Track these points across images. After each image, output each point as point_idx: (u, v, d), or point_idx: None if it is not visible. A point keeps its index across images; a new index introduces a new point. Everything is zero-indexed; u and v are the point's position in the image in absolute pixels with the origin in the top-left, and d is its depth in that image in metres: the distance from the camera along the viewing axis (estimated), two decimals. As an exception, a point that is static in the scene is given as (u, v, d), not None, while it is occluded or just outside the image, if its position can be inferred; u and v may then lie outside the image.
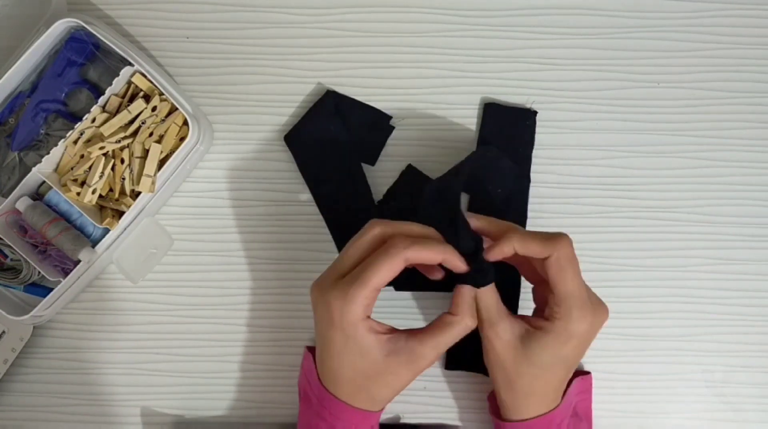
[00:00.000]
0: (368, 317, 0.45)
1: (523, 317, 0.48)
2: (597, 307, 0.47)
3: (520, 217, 0.59)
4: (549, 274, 0.45)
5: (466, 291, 0.46)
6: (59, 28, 0.55)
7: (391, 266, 0.44)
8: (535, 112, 0.60)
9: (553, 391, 0.49)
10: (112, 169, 0.56)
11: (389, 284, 0.49)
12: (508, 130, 0.59)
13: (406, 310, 0.59)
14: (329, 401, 0.47)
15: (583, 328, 0.46)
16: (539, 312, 0.49)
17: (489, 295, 0.46)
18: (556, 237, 0.46)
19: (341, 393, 0.47)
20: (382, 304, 0.58)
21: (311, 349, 0.52)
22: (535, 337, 0.46)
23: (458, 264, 0.46)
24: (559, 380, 0.49)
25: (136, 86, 0.56)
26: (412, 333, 0.46)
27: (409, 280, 0.55)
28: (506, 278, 0.57)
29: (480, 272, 0.46)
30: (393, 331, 0.46)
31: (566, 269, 0.45)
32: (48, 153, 0.55)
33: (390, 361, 0.45)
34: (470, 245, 0.46)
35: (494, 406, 0.53)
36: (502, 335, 0.46)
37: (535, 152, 0.60)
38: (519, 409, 0.49)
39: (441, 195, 0.49)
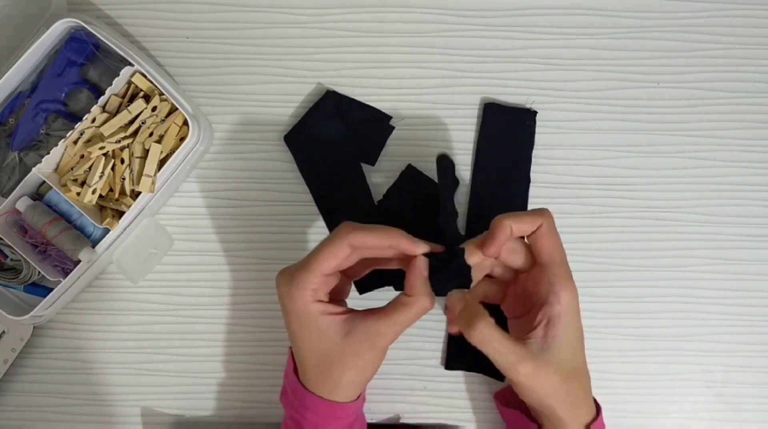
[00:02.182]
0: (321, 301, 0.45)
1: (519, 340, 0.46)
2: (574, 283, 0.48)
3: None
4: (537, 245, 0.47)
5: (418, 268, 0.45)
6: (59, 28, 0.55)
7: (334, 250, 0.44)
8: (535, 112, 0.60)
9: (583, 391, 0.48)
10: (112, 169, 0.56)
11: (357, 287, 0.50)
12: (508, 130, 0.59)
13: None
14: (300, 393, 0.47)
15: (568, 300, 0.46)
16: (519, 332, 0.49)
17: (496, 338, 0.44)
18: (539, 211, 0.47)
19: (310, 383, 0.47)
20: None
21: None
22: (543, 350, 0.45)
23: (409, 246, 0.45)
24: (580, 361, 0.48)
25: (136, 86, 0.56)
26: (368, 312, 0.46)
27: (373, 280, 0.56)
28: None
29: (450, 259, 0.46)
30: (350, 312, 0.46)
31: (554, 237, 0.47)
32: (48, 153, 0.55)
33: (348, 341, 0.45)
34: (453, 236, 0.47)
35: (516, 409, 0.52)
36: (520, 370, 0.45)
37: (535, 152, 0.60)
38: (575, 415, 0.48)
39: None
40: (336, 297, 0.49)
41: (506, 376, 0.46)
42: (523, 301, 0.49)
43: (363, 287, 0.58)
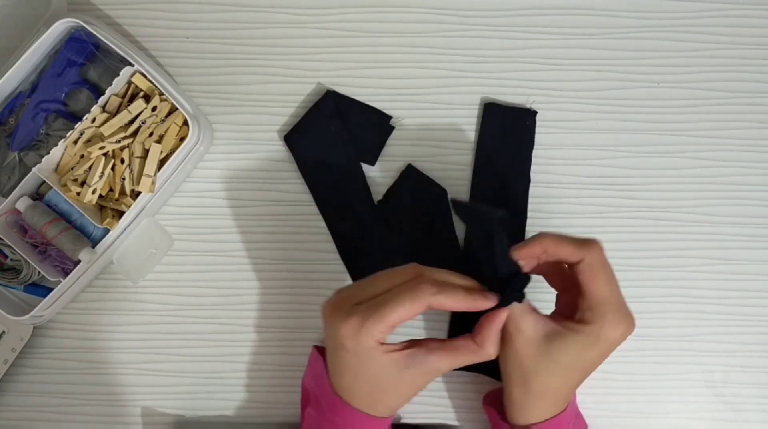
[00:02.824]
0: (386, 343, 0.45)
1: (549, 316, 0.47)
2: (629, 318, 0.46)
3: (520, 217, 0.59)
4: (581, 278, 0.44)
5: (495, 321, 0.45)
6: (59, 28, 0.55)
7: (412, 308, 0.43)
8: (535, 112, 0.60)
9: (566, 393, 0.48)
10: (112, 169, 0.56)
11: None
12: (508, 130, 0.59)
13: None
14: (343, 409, 0.47)
15: (614, 335, 0.45)
16: (565, 317, 0.48)
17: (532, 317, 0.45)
18: (588, 241, 0.45)
19: (356, 401, 0.47)
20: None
21: (320, 350, 0.52)
22: (561, 337, 0.45)
23: (484, 305, 0.44)
24: (574, 383, 0.48)
25: (136, 86, 0.56)
26: (430, 348, 0.45)
27: None
28: None
29: (513, 294, 0.45)
30: (409, 345, 0.45)
31: (599, 273, 0.44)
32: (48, 153, 0.55)
33: (406, 374, 0.45)
34: (508, 270, 0.45)
35: (494, 409, 0.52)
36: (524, 331, 0.45)
37: (535, 152, 0.60)
38: (528, 409, 0.48)
39: (477, 220, 0.48)
40: None
41: (507, 330, 0.46)
42: (566, 278, 0.48)
43: None
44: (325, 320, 0.46)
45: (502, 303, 0.45)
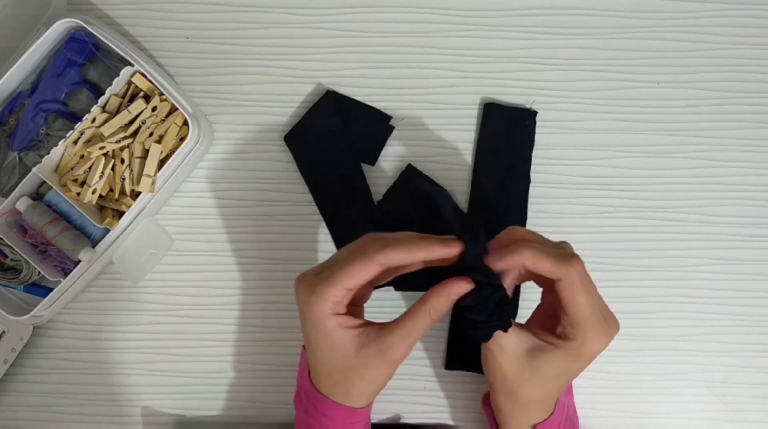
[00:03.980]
0: (339, 314, 0.44)
1: (529, 329, 0.47)
2: (610, 325, 0.45)
3: (520, 217, 0.59)
4: (561, 295, 0.44)
5: (447, 290, 0.43)
6: (59, 28, 0.55)
7: (363, 269, 0.43)
8: (535, 112, 0.60)
9: (552, 400, 0.49)
10: (112, 169, 0.56)
11: (388, 284, 0.49)
12: (508, 130, 0.59)
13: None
14: (314, 397, 0.47)
15: (596, 348, 0.45)
16: (545, 319, 0.48)
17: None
18: (568, 257, 0.43)
19: (322, 387, 0.47)
20: (379, 303, 0.58)
21: None
22: (543, 352, 0.45)
23: (444, 251, 0.43)
24: (560, 390, 0.48)
25: (136, 86, 0.56)
26: (383, 325, 0.45)
27: (409, 280, 0.55)
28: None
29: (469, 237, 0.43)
30: (366, 324, 0.45)
31: (579, 292, 0.43)
32: (48, 153, 0.55)
33: (361, 354, 0.44)
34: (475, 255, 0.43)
35: (491, 413, 0.52)
36: (506, 346, 0.45)
37: (535, 152, 0.60)
38: (516, 415, 0.48)
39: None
40: (356, 302, 0.48)
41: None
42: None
43: (399, 285, 0.57)
44: (296, 297, 0.46)
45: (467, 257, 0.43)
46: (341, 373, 0.45)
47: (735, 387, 0.60)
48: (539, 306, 0.50)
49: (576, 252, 0.45)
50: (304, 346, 0.53)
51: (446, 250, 0.43)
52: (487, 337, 0.45)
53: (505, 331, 0.44)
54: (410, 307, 0.45)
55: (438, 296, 0.43)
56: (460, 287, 0.43)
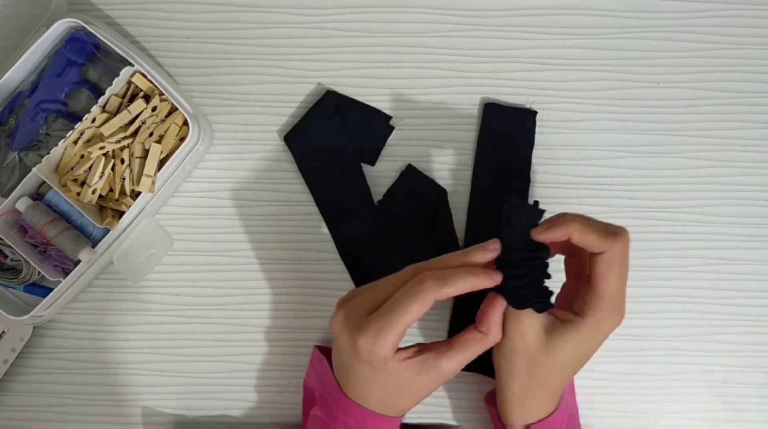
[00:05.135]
0: (398, 351, 0.45)
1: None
2: (623, 312, 0.46)
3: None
4: (596, 268, 0.44)
5: (497, 306, 0.45)
6: (59, 28, 0.55)
7: (420, 308, 0.43)
8: (535, 112, 0.60)
9: (559, 388, 0.48)
10: (112, 169, 0.56)
11: None
12: (508, 130, 0.59)
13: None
14: (354, 409, 0.47)
15: (608, 328, 0.45)
16: (565, 304, 0.48)
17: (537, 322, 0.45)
18: (616, 232, 0.44)
19: (369, 404, 0.47)
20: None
21: (322, 350, 0.52)
22: (561, 331, 0.45)
23: (489, 283, 0.44)
24: (567, 378, 0.48)
25: (136, 86, 0.56)
26: (439, 350, 0.45)
27: None
28: None
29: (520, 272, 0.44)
30: (419, 350, 0.45)
31: (615, 268, 0.44)
32: (48, 153, 0.55)
33: (420, 378, 0.45)
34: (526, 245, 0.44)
35: (496, 408, 0.52)
36: (526, 328, 0.45)
37: (535, 152, 0.60)
38: (525, 405, 0.48)
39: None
40: None
41: (506, 325, 0.46)
42: (582, 264, 0.48)
43: None
44: (337, 332, 0.46)
45: (508, 288, 0.44)
46: (395, 395, 0.46)
47: (735, 387, 0.60)
48: (558, 295, 0.50)
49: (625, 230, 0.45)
50: (317, 348, 0.53)
51: (491, 281, 0.44)
52: (522, 305, 0.45)
53: (539, 311, 0.45)
54: (465, 331, 0.46)
55: (495, 325, 0.45)
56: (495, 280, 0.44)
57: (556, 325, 0.46)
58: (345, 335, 0.45)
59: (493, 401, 0.54)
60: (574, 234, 0.43)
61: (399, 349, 0.45)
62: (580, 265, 0.48)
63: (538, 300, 0.44)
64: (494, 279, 0.44)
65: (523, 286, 0.44)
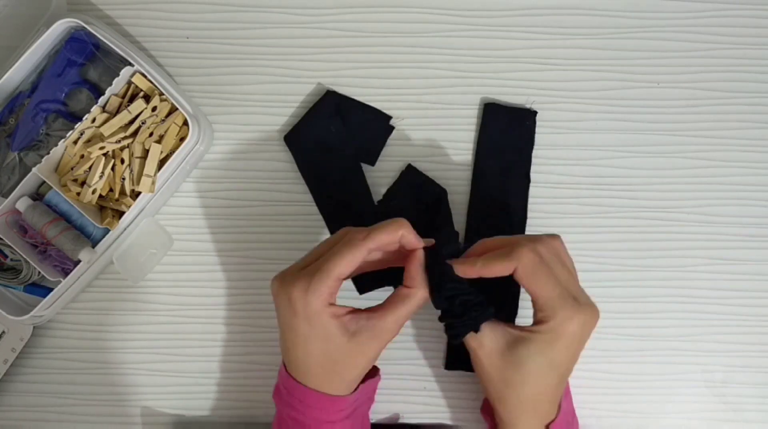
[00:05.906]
0: (332, 304, 0.46)
1: (508, 325, 0.48)
2: (585, 307, 0.46)
3: (520, 218, 0.59)
4: (522, 285, 0.47)
5: (418, 259, 0.47)
6: (59, 28, 0.55)
7: (352, 257, 0.45)
8: (535, 112, 0.60)
9: (546, 401, 0.48)
10: (112, 169, 0.56)
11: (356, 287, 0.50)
12: (508, 130, 0.59)
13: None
14: (297, 389, 0.48)
15: (571, 329, 0.45)
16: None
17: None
18: (513, 250, 0.46)
19: (311, 381, 0.47)
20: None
21: None
22: (522, 343, 0.46)
23: (414, 240, 0.47)
24: (551, 389, 0.47)
25: (136, 86, 0.56)
26: (371, 310, 0.47)
27: (372, 280, 0.57)
28: (504, 292, 0.57)
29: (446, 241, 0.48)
30: (353, 311, 0.47)
31: (534, 276, 0.45)
32: (48, 153, 0.55)
33: (355, 341, 0.46)
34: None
35: (491, 418, 0.52)
36: (485, 343, 0.47)
37: (535, 152, 0.60)
38: (514, 423, 0.48)
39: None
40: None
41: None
42: None
43: (362, 288, 0.58)
44: (275, 292, 0.47)
45: (434, 254, 0.47)
46: (334, 362, 0.46)
47: (735, 387, 0.60)
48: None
49: (553, 235, 0.48)
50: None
51: (416, 242, 0.47)
52: (458, 337, 0.47)
53: (476, 331, 0.47)
54: (396, 290, 0.47)
55: (414, 266, 0.47)
56: (420, 243, 0.47)
57: (518, 339, 0.46)
58: (282, 293, 0.46)
59: (489, 411, 0.53)
60: (482, 271, 0.46)
61: (332, 305, 0.46)
62: None
63: (468, 325, 0.47)
64: (420, 239, 0.47)
65: (455, 325, 0.47)
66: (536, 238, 0.47)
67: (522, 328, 0.47)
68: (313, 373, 0.47)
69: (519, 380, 0.46)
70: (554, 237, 0.48)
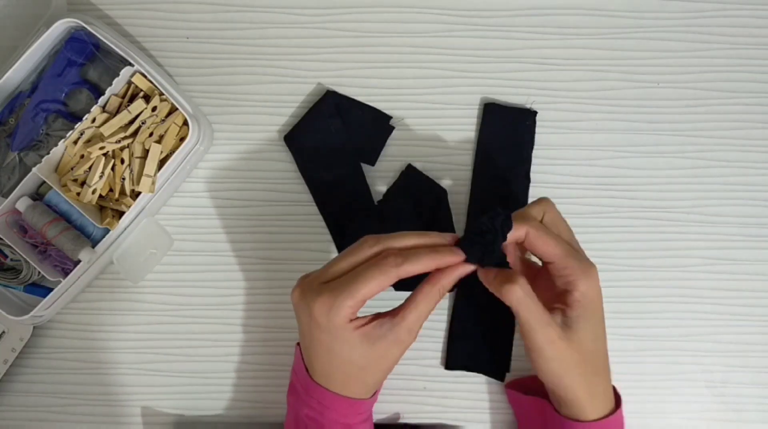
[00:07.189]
0: (356, 318, 0.45)
1: (546, 314, 0.47)
2: (591, 266, 0.48)
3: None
4: (535, 247, 0.47)
5: (457, 273, 0.46)
6: (59, 28, 0.55)
7: (382, 281, 0.44)
8: (535, 112, 0.60)
9: (605, 368, 0.49)
10: (112, 169, 0.56)
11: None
12: (508, 130, 0.59)
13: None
14: (316, 391, 0.48)
15: (593, 283, 0.47)
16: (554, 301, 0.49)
17: (532, 299, 0.45)
18: (521, 214, 0.47)
19: (332, 385, 0.47)
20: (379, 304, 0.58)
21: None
22: (572, 317, 0.46)
23: (454, 259, 0.45)
24: (604, 352, 0.49)
25: (136, 86, 0.56)
26: (393, 313, 0.46)
27: (409, 281, 0.55)
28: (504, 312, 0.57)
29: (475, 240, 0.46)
30: (376, 316, 0.46)
31: (547, 234, 0.46)
32: (48, 153, 0.55)
33: (378, 346, 0.45)
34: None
35: (516, 397, 0.52)
36: (554, 337, 0.46)
37: (535, 152, 0.60)
38: (592, 397, 0.48)
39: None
40: None
41: (532, 341, 0.46)
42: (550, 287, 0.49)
43: (398, 287, 0.57)
44: (296, 304, 0.47)
45: (470, 257, 0.45)
46: (359, 368, 0.46)
47: (735, 387, 0.60)
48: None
49: (542, 199, 0.49)
50: (298, 343, 0.53)
51: (454, 259, 0.45)
52: (502, 263, 0.45)
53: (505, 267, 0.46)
54: (416, 289, 0.46)
55: (447, 276, 0.45)
56: (465, 268, 0.45)
57: (565, 318, 0.47)
58: (303, 304, 0.45)
59: (523, 389, 0.54)
60: (530, 232, 0.46)
61: (355, 319, 0.45)
62: (545, 290, 0.49)
63: (495, 256, 0.45)
64: (458, 255, 0.45)
65: (482, 241, 0.45)
66: (529, 207, 0.48)
67: (562, 312, 0.47)
68: (335, 378, 0.47)
69: (586, 352, 0.47)
70: (545, 200, 0.49)
